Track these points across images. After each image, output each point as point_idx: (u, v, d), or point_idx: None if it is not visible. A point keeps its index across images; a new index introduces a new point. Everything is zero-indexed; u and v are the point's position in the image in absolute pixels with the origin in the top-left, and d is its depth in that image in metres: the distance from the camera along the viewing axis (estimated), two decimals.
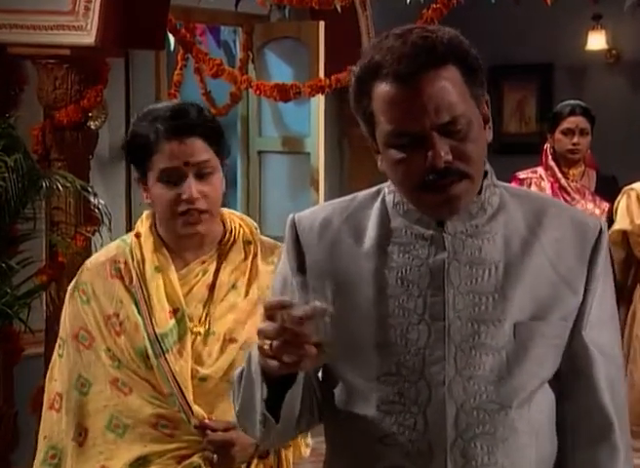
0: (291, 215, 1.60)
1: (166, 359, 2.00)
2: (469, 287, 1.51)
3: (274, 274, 1.65)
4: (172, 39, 5.79)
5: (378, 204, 1.56)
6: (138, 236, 2.09)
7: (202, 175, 2.00)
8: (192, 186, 1.98)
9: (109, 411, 2.03)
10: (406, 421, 1.50)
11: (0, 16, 4.28)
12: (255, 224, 2.14)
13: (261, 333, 1.39)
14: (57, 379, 2.09)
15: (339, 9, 5.40)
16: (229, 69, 5.79)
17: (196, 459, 2.01)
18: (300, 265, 1.55)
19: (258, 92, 5.76)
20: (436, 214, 1.51)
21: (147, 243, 2.07)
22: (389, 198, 1.56)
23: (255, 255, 2.09)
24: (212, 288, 2.06)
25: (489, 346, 1.50)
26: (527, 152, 5.48)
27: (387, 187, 1.57)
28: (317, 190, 6.13)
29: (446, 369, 1.49)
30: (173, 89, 5.82)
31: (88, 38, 4.22)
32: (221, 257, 2.07)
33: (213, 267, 2.07)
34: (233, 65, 6.27)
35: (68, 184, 4.10)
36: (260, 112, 6.35)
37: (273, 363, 1.39)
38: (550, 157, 4.54)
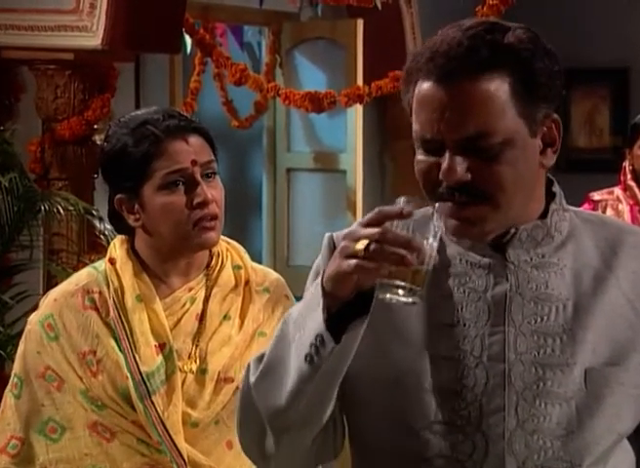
0: (328, 234, 1.61)
1: (152, 402, 2.00)
2: (533, 326, 1.51)
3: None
4: (188, 41, 5.86)
5: (431, 227, 1.57)
6: (112, 262, 2.09)
7: (208, 177, 2.05)
8: (205, 188, 2.02)
9: (90, 462, 2.03)
10: None
11: None
12: (242, 249, 2.17)
13: (354, 235, 1.40)
14: (10, 423, 2.07)
15: (379, 5, 5.44)
16: (254, 75, 5.84)
17: None
18: None
19: (286, 101, 5.80)
20: (453, 235, 1.53)
21: (126, 268, 2.07)
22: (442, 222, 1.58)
23: (246, 282, 2.12)
24: (201, 318, 2.08)
25: (555, 395, 1.50)
26: (598, 170, 5.48)
27: None
28: (354, 213, 6.15)
29: (506, 420, 1.49)
30: (189, 97, 5.87)
31: (93, 40, 4.28)
32: (210, 284, 2.10)
33: (201, 295, 2.09)
34: (258, 71, 6.32)
35: (70, 207, 4.14)
36: (289, 124, 6.39)
37: (361, 265, 1.37)
38: (629, 176, 4.53)
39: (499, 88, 1.46)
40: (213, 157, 2.06)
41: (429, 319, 1.53)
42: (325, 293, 1.42)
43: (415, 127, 1.50)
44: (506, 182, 1.47)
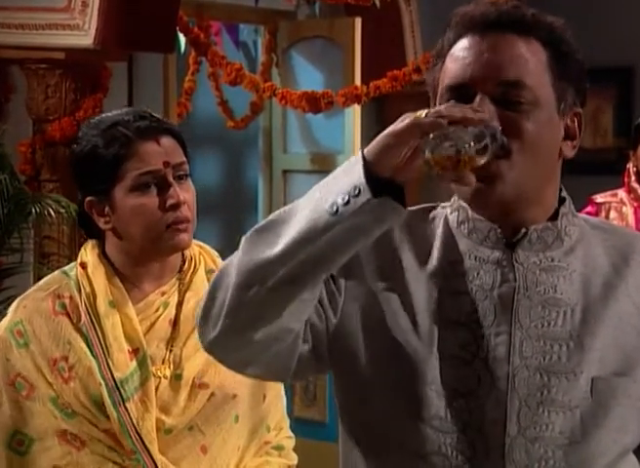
0: None
1: (126, 408, 2.01)
2: (540, 330, 1.51)
3: None
4: (182, 40, 5.86)
5: (441, 224, 1.58)
6: (83, 266, 2.10)
7: (180, 179, 2.06)
8: (177, 190, 2.03)
9: None
10: None
11: None
12: (216, 253, 2.18)
13: (412, 118, 1.37)
14: None
15: (377, 4, 5.44)
16: (250, 75, 5.84)
17: None
18: (347, 270, 1.52)
19: (283, 101, 5.80)
20: (472, 199, 1.51)
21: (98, 273, 2.08)
22: (453, 217, 1.58)
23: None
24: (174, 323, 2.09)
25: (559, 403, 1.49)
26: (602, 172, 5.47)
27: (450, 206, 1.59)
28: None
29: (507, 427, 1.49)
30: (184, 97, 5.88)
31: (85, 39, 4.28)
32: (183, 288, 2.11)
33: (174, 299, 2.10)
34: (254, 70, 6.32)
35: (62, 210, 4.13)
36: (286, 125, 6.39)
37: (419, 121, 1.34)
38: (633, 178, 4.54)
39: (538, 53, 1.51)
40: (185, 159, 2.07)
41: (437, 315, 1.52)
42: (364, 158, 1.37)
43: (443, 83, 1.51)
44: (528, 139, 1.48)
